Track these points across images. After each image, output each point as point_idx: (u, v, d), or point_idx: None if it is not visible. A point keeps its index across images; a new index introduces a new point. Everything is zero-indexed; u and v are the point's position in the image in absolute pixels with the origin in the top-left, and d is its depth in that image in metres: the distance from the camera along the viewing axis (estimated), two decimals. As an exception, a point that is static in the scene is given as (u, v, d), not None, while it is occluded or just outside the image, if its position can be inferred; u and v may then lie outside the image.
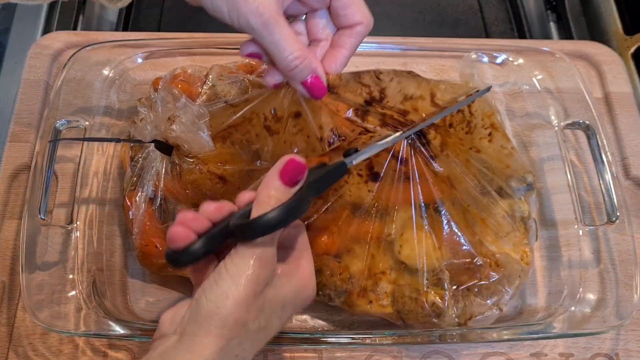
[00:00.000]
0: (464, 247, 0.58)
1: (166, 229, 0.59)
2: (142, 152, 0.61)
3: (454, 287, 0.58)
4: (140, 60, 0.70)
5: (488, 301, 0.59)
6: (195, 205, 0.60)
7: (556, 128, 0.69)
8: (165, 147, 0.58)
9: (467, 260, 0.58)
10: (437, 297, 0.57)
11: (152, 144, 0.58)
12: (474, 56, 0.71)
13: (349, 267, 0.58)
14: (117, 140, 0.63)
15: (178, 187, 0.59)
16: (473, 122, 0.62)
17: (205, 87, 0.64)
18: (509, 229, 0.60)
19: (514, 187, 0.62)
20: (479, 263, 0.57)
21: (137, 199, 0.59)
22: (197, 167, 0.58)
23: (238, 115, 0.58)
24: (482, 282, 0.58)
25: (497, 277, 0.58)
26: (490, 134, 0.61)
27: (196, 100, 0.63)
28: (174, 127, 0.56)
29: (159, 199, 0.59)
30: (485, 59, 0.71)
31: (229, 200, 0.46)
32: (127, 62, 0.70)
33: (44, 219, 0.59)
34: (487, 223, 0.59)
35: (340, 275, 0.57)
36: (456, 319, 0.58)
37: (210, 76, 0.64)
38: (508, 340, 0.60)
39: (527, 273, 0.61)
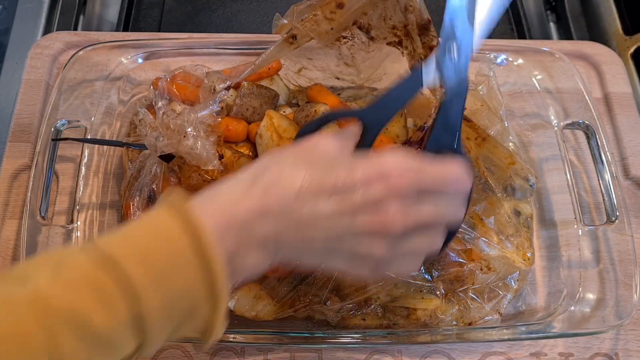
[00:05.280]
0: (451, 257, 0.58)
1: None
2: (141, 155, 0.61)
3: (447, 293, 0.58)
4: (140, 61, 0.70)
5: (486, 306, 0.59)
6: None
7: (556, 128, 0.69)
8: (167, 156, 0.58)
9: (455, 269, 0.58)
10: (428, 314, 0.58)
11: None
12: (492, 57, 0.71)
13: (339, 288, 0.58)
14: (120, 144, 0.63)
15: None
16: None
17: (203, 89, 0.64)
18: (512, 231, 0.60)
19: (517, 187, 0.62)
20: (468, 269, 0.58)
21: (134, 204, 0.59)
22: (197, 174, 0.58)
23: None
24: (475, 286, 0.58)
25: (490, 279, 0.58)
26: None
27: (196, 103, 0.64)
28: (185, 142, 0.56)
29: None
30: (499, 59, 0.71)
31: None
32: (127, 63, 0.70)
33: (44, 219, 0.59)
34: (484, 223, 0.59)
35: (330, 309, 0.57)
36: (454, 323, 0.58)
37: (209, 79, 0.65)
38: (508, 340, 0.60)
39: (526, 275, 0.62)
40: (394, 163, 0.41)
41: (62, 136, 0.64)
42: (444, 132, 0.48)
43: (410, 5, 0.57)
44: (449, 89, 0.48)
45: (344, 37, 0.63)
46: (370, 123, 0.47)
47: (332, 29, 0.58)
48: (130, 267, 0.35)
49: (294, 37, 0.59)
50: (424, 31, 0.58)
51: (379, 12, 0.59)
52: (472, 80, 0.68)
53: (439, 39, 0.49)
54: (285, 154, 0.44)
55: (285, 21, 0.59)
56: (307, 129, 0.49)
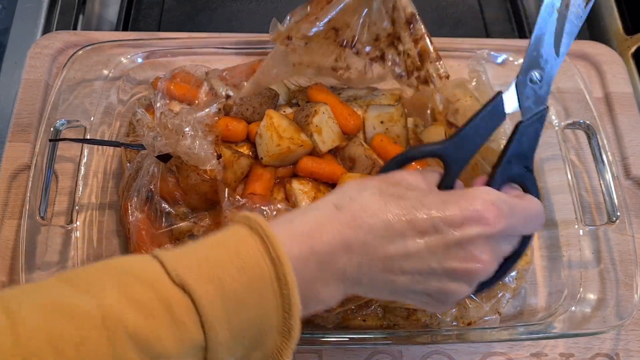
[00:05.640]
0: None
1: (161, 235, 0.59)
2: (139, 155, 0.61)
3: None
4: (140, 60, 0.70)
5: (485, 305, 0.59)
6: (192, 208, 0.60)
7: (556, 128, 0.69)
8: (164, 156, 0.57)
9: None
10: (428, 314, 0.57)
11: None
12: (485, 54, 0.70)
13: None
14: (117, 144, 0.62)
15: (175, 191, 0.59)
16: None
17: (203, 89, 0.64)
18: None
19: None
20: None
21: (132, 205, 0.59)
22: (196, 173, 0.57)
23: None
24: None
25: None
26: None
27: (195, 102, 0.64)
28: (183, 142, 0.55)
29: (155, 201, 0.59)
30: (500, 59, 0.71)
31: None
32: (126, 62, 0.70)
33: (43, 219, 0.59)
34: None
35: (331, 312, 0.57)
36: (454, 323, 0.58)
37: (209, 81, 0.65)
38: (508, 340, 0.60)
39: (525, 273, 0.61)
40: (489, 206, 0.41)
41: (62, 136, 0.64)
42: (516, 160, 0.47)
43: (397, 1, 0.58)
44: (526, 119, 0.47)
45: (341, 68, 0.63)
46: (452, 160, 0.46)
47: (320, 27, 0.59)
48: (203, 293, 0.33)
49: (289, 37, 0.59)
50: (410, 25, 0.58)
51: (362, 21, 0.60)
52: (465, 77, 0.68)
53: (521, 67, 0.47)
54: (372, 184, 0.42)
55: (282, 27, 0.60)
56: (390, 166, 0.47)
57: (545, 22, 0.46)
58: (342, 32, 0.60)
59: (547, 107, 0.48)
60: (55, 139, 0.62)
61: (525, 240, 0.46)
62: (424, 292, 0.42)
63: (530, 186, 0.48)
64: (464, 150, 0.46)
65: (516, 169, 0.47)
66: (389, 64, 0.62)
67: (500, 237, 0.42)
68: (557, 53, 0.47)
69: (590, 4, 0.47)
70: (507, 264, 0.46)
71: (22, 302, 0.32)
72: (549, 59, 0.47)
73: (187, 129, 0.55)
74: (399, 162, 0.48)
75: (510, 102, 0.47)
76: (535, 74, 0.47)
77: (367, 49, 0.61)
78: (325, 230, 0.38)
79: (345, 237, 0.38)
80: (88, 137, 0.65)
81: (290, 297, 0.35)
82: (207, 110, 0.58)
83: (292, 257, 0.36)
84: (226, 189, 0.57)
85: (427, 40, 0.60)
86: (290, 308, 0.36)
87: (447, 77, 0.61)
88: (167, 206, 0.60)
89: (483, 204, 0.41)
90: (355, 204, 0.40)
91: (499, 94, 0.47)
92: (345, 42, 0.61)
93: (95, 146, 0.66)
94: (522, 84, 0.47)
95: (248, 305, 0.35)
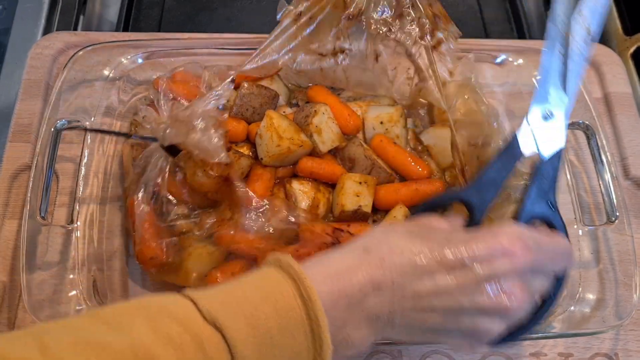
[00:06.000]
0: None
1: (166, 230, 0.59)
2: (146, 151, 0.61)
3: None
4: (140, 61, 0.70)
5: None
6: (197, 205, 0.60)
7: (556, 128, 0.69)
8: (173, 149, 0.57)
9: None
10: None
11: (158, 143, 0.58)
12: (470, 56, 0.70)
13: None
14: (127, 135, 0.62)
15: (181, 188, 0.59)
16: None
17: (203, 87, 0.64)
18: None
19: (514, 185, 0.62)
20: None
21: (138, 199, 0.59)
22: (202, 170, 0.57)
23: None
24: None
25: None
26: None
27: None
28: (193, 135, 0.56)
29: (161, 196, 0.59)
30: (499, 59, 0.71)
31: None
32: (127, 62, 0.70)
33: (44, 219, 0.59)
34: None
35: None
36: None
37: (207, 78, 0.65)
38: (508, 340, 0.60)
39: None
40: (515, 240, 0.41)
41: (62, 136, 0.64)
42: (539, 199, 0.48)
43: None
44: (545, 159, 0.49)
45: (342, 52, 0.63)
46: (475, 203, 0.47)
47: None
48: (236, 331, 0.33)
49: (299, 14, 0.59)
50: None
51: None
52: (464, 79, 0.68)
53: (530, 107, 0.49)
54: (399, 228, 0.43)
55: (291, 7, 0.60)
56: (415, 212, 0.49)
57: (549, 62, 0.48)
58: (349, 4, 0.60)
59: (565, 145, 0.49)
60: (62, 128, 0.62)
61: (560, 281, 0.47)
62: (458, 331, 0.42)
63: (555, 223, 0.48)
64: (486, 193, 0.48)
65: (539, 208, 0.48)
66: (393, 37, 0.62)
67: (530, 273, 0.42)
68: (565, 90, 0.49)
69: (590, 41, 0.49)
70: (545, 306, 0.47)
71: (55, 339, 0.32)
72: (558, 99, 0.49)
73: (197, 122, 0.55)
74: (424, 209, 0.49)
75: (528, 144, 0.49)
76: (547, 113, 0.49)
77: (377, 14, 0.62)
78: (355, 272, 0.39)
79: (374, 277, 0.39)
80: (89, 138, 0.65)
81: (321, 335, 0.36)
82: (215, 102, 0.57)
83: (322, 298, 0.37)
84: (250, 194, 0.57)
85: (439, 4, 0.61)
86: (322, 347, 0.36)
87: (458, 37, 0.62)
88: (172, 202, 0.60)
89: (509, 239, 0.41)
90: (383, 246, 0.41)
91: (514, 136, 0.49)
92: (351, 16, 0.61)
93: (96, 146, 0.66)
94: (535, 121, 0.49)
95: (281, 346, 0.35)
